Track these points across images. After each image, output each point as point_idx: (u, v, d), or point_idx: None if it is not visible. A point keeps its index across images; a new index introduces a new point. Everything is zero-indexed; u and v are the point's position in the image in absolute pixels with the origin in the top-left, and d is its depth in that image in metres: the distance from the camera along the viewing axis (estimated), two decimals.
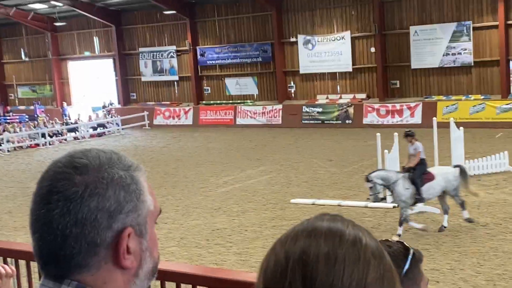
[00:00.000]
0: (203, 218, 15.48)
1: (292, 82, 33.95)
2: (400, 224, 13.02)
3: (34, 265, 4.34)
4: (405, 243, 2.13)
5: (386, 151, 15.35)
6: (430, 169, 13.69)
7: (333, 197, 16.65)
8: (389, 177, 13.32)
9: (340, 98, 32.30)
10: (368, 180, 13.41)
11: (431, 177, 13.33)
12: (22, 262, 4.35)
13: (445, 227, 13.19)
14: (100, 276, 1.24)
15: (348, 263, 1.00)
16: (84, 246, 1.20)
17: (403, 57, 30.66)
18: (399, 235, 12.64)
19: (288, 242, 1.03)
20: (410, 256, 2.06)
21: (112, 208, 1.22)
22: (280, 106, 33.25)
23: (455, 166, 13.89)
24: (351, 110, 31.25)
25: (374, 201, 13.75)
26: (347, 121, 31.10)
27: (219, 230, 14.42)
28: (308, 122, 32.03)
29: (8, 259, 4.30)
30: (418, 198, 13.26)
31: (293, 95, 33.98)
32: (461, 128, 18.06)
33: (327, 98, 32.68)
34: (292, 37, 33.35)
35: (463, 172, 13.50)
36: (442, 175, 13.36)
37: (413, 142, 13.92)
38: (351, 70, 32.04)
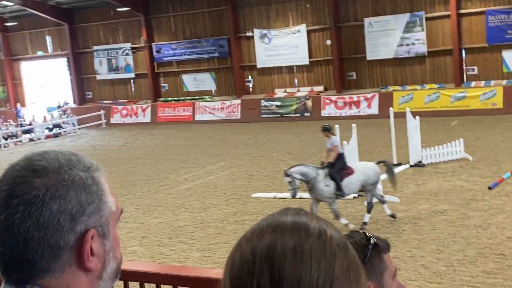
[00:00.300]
0: (164, 216, 15.38)
1: (249, 77, 33.97)
2: (337, 218, 12.92)
3: None
4: (367, 233, 2.13)
5: (345, 142, 15.50)
6: (351, 164, 13.64)
7: None
8: (308, 172, 13.16)
9: (298, 91, 32.47)
10: (287, 175, 13.23)
11: (350, 172, 13.23)
12: None
13: (390, 216, 13.22)
14: (64, 280, 1.22)
15: (314, 257, 1.00)
16: (47, 250, 1.18)
17: (358, 48, 30.98)
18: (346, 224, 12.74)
19: (254, 238, 1.02)
20: (370, 246, 2.06)
21: (74, 210, 1.20)
22: (238, 101, 33.24)
23: (379, 162, 13.78)
24: (309, 103, 31.44)
25: (293, 196, 13.59)
26: (305, 114, 31.29)
27: (182, 227, 14.35)
28: (267, 116, 32.11)
29: None
30: (338, 193, 13.14)
31: (251, 89, 34.02)
32: (417, 117, 18.38)
33: (285, 91, 32.82)
34: (248, 32, 33.36)
35: (389, 168, 13.50)
36: (362, 170, 13.28)
37: (329, 137, 13.92)
38: (308, 63, 32.23)
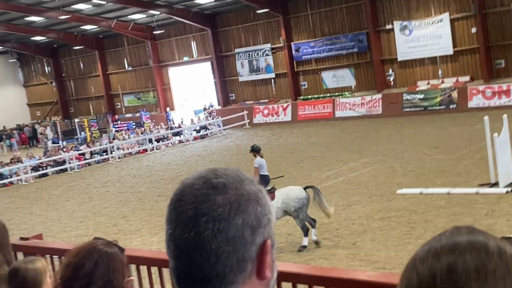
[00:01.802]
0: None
1: (390, 70, 33.30)
2: None
3: (162, 272, 4.56)
4: None
5: (495, 134, 14.75)
6: (279, 189, 13.17)
7: (442, 185, 16.19)
8: None
9: (442, 82, 31.32)
10: None
11: (272, 197, 12.45)
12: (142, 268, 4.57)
13: (314, 242, 12.82)
14: None
15: (499, 277, 0.99)
16: (235, 264, 1.24)
17: (507, 35, 29.29)
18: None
19: (430, 259, 1.02)
20: None
21: (253, 223, 1.26)
22: (379, 96, 32.70)
23: (306, 188, 13.30)
24: (454, 94, 30.23)
25: None
26: (451, 106, 30.11)
27: (326, 224, 14.40)
28: (410, 110, 31.29)
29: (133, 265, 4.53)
30: None
31: (392, 83, 33.33)
32: None
33: (428, 83, 31.79)
34: (388, 24, 32.70)
35: (316, 193, 13.08)
36: (282, 195, 12.86)
37: (256, 157, 13.98)
38: (452, 53, 30.99)
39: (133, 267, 4.64)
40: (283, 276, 3.39)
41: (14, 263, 3.95)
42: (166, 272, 4.52)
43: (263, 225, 1.28)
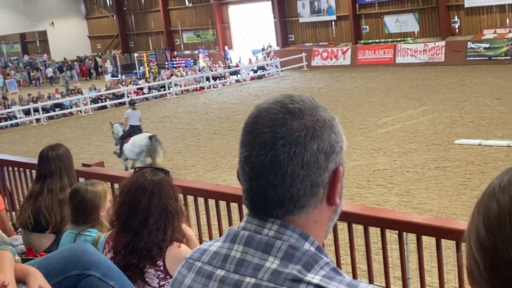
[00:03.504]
0: (363, 159, 15.43)
1: (456, 17, 32.11)
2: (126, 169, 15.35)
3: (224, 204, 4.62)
4: None
5: None
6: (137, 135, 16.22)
7: (502, 138, 15.78)
8: (119, 131, 16.86)
9: (510, 32, 30.06)
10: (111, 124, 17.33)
11: (126, 141, 16.26)
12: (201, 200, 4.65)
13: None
14: (313, 215, 1.30)
15: None
16: (308, 188, 1.26)
17: None
18: None
19: (511, 187, 1.00)
20: None
21: (327, 149, 1.28)
22: (443, 43, 31.70)
23: (150, 137, 16.00)
24: None
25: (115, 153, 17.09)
26: None
27: (380, 171, 14.32)
28: (474, 59, 30.27)
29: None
30: (117, 153, 16.96)
31: (457, 30, 32.19)
32: None
33: (494, 32, 30.56)
34: None
35: (154, 141, 15.82)
36: (132, 141, 16.03)
37: (134, 110, 17.49)
38: None
39: (190, 198, 4.72)
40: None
41: (75, 184, 4.08)
42: (222, 205, 4.58)
43: (336, 151, 1.30)
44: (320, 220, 1.31)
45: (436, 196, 12.11)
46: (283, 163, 1.24)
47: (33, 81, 44.37)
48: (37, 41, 55.40)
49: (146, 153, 15.90)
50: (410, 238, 4.76)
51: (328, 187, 1.29)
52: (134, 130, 16.65)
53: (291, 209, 1.27)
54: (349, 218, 3.66)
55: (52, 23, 50.01)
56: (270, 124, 1.27)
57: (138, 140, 15.99)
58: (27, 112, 28.36)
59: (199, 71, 35.24)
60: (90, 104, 29.73)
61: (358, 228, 3.89)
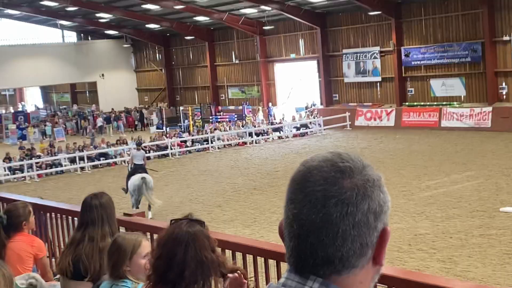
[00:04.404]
0: (405, 222, 15.16)
1: (504, 83, 31.84)
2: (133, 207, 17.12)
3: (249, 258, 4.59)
4: None
5: None
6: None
7: None
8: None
9: None
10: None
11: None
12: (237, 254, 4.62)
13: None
14: (360, 275, 1.29)
15: None
16: (358, 248, 1.26)
17: None
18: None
19: None
20: None
21: (377, 209, 1.28)
22: (490, 109, 31.36)
23: (142, 178, 17.40)
24: None
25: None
26: None
27: (422, 235, 14.02)
28: None
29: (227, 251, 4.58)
30: (124, 189, 18.55)
31: (504, 96, 31.86)
32: None
33: None
34: (505, 36, 31.27)
35: (145, 182, 17.27)
36: (131, 178, 17.62)
37: (137, 150, 19.46)
38: None
39: (228, 253, 4.71)
40: (380, 278, 3.31)
41: (116, 234, 4.12)
42: (260, 261, 4.55)
43: (384, 211, 1.30)
44: (364, 281, 1.30)
45: (480, 265, 11.76)
46: (335, 222, 1.25)
47: (81, 130, 45.47)
48: (87, 92, 57.04)
49: (139, 192, 17.51)
50: None
51: (376, 247, 1.29)
52: (138, 168, 18.11)
53: (339, 268, 1.27)
54: (389, 282, 3.59)
55: (103, 75, 51.53)
56: (321, 182, 1.27)
57: (134, 180, 17.57)
58: (72, 160, 28.96)
59: (242, 126, 35.59)
60: None
61: None
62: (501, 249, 12.57)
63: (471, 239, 13.42)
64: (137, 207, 17.12)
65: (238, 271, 3.35)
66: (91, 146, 30.89)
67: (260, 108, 41.13)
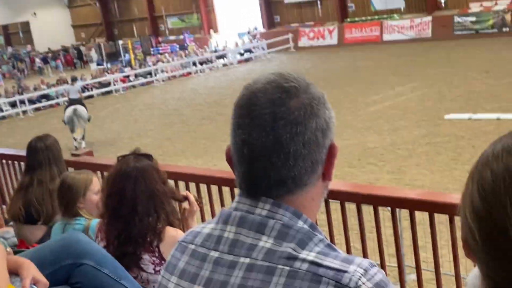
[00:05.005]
0: (353, 138, 15.43)
1: None
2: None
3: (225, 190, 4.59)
4: None
5: None
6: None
7: (491, 111, 15.82)
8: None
9: (496, 4, 30.07)
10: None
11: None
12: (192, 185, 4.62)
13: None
14: (311, 192, 1.30)
15: None
16: (309, 166, 1.26)
17: None
18: None
19: (505, 156, 1.00)
20: None
21: (324, 126, 1.28)
22: (429, 18, 31.67)
23: (74, 109, 18.31)
24: (508, 16, 29.06)
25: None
26: (504, 29, 29.02)
27: (371, 149, 14.33)
28: (461, 33, 30.30)
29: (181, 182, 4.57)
30: (63, 121, 18.93)
31: (443, 5, 32.15)
32: None
33: (481, 5, 30.58)
34: None
35: (75, 113, 18.17)
36: (66, 111, 18.64)
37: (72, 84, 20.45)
38: None
39: (181, 184, 4.70)
40: (331, 194, 3.36)
41: (63, 174, 4.07)
42: (214, 189, 4.56)
43: (330, 127, 1.30)
44: (316, 197, 1.31)
45: (428, 172, 12.14)
46: (285, 143, 1.24)
47: (18, 73, 44.02)
48: (20, 32, 54.87)
49: (72, 123, 18.33)
50: (403, 215, 4.77)
51: (325, 163, 1.29)
52: (73, 102, 19.13)
53: (292, 188, 1.27)
54: (341, 196, 3.65)
55: (35, 13, 49.54)
56: (268, 104, 1.25)
57: (67, 112, 18.56)
58: (13, 105, 28.13)
59: (185, 56, 35.04)
60: None
61: (351, 207, 3.88)
62: (448, 155, 12.98)
63: (418, 148, 13.80)
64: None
65: (191, 197, 3.39)
66: (19, 89, 29.80)
67: (213, 34, 40.39)
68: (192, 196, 3.43)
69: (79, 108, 18.66)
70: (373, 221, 3.68)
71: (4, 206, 6.25)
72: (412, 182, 11.70)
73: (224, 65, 34.59)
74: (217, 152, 15.99)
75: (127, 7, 48.06)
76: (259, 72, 30.13)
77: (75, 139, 18.33)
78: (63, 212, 3.78)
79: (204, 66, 34.00)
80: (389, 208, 3.88)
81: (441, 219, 3.56)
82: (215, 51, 36.46)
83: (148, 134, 19.75)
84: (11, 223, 4.82)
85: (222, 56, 35.58)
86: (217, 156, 15.55)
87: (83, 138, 18.54)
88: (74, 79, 21.02)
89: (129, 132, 20.42)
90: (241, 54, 35.91)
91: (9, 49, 51.36)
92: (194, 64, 33.57)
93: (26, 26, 51.70)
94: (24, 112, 27.76)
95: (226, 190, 4.37)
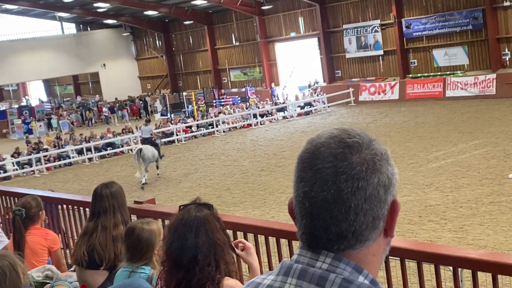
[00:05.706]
0: (414, 195, 15.18)
1: (506, 49, 31.64)
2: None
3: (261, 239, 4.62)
4: None
5: None
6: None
7: None
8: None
9: None
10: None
11: None
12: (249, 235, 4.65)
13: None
14: (372, 248, 1.31)
15: None
16: (370, 221, 1.28)
17: None
18: None
19: None
20: None
21: (386, 182, 1.29)
22: (493, 76, 31.20)
23: (138, 150, 20.30)
24: None
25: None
26: None
27: (432, 206, 14.04)
28: None
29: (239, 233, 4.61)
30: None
31: (508, 63, 31.68)
32: None
33: None
34: (506, 1, 31.00)
35: (138, 152, 19.96)
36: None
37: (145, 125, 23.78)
38: None
39: (239, 234, 4.74)
40: (391, 251, 3.33)
41: (131, 223, 4.14)
42: (271, 241, 4.57)
43: (393, 184, 1.31)
44: (377, 253, 1.32)
45: (491, 232, 11.78)
46: (346, 198, 1.25)
47: (86, 121, 45.54)
48: (89, 82, 57.02)
49: (137, 159, 19.97)
50: (465, 275, 4.64)
51: (387, 220, 1.31)
52: (144, 141, 21.60)
53: (353, 243, 1.28)
54: (402, 254, 3.60)
55: (104, 65, 51.47)
56: (331, 159, 1.28)
57: (135, 150, 20.45)
58: (80, 152, 29.02)
59: (247, 108, 35.51)
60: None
61: (411, 265, 3.82)
62: None
63: (481, 207, 13.43)
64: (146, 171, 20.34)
65: (242, 240, 3.43)
66: (70, 141, 30.71)
67: (276, 87, 40.92)
68: (242, 240, 3.47)
69: (145, 149, 20.15)
70: (434, 280, 3.61)
71: (67, 251, 6.42)
72: (474, 241, 11.37)
73: (284, 117, 34.85)
74: (275, 204, 15.99)
75: (192, 60, 49.39)
76: (318, 125, 30.25)
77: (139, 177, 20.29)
78: (130, 259, 3.86)
79: (264, 118, 34.35)
80: (451, 268, 3.80)
81: (505, 281, 3.46)
82: (276, 104, 36.82)
83: (208, 184, 19.97)
84: (73, 268, 4.95)
85: (282, 109, 35.89)
86: (275, 208, 15.54)
87: (145, 172, 20.17)
88: (148, 120, 23.48)
89: (190, 182, 20.69)
90: (301, 107, 36.13)
91: (78, 99, 53.33)
92: (255, 116, 33.97)
93: (95, 77, 53.73)
94: (90, 159, 28.59)
95: (284, 242, 4.39)
